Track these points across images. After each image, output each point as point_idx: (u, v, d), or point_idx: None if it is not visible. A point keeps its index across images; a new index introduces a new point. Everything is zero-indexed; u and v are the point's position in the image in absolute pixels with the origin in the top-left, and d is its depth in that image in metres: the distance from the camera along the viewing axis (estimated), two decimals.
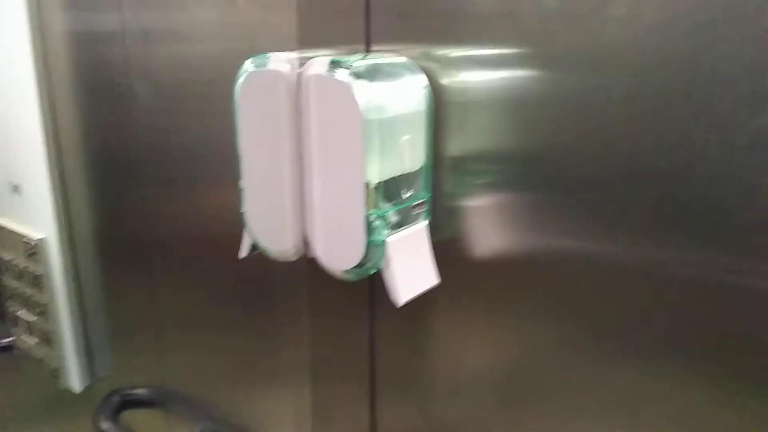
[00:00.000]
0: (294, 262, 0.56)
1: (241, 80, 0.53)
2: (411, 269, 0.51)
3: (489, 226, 0.52)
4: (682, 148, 0.42)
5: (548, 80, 0.47)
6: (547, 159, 0.48)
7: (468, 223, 0.53)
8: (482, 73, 0.50)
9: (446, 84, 0.51)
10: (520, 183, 0.50)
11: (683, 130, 0.42)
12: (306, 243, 0.53)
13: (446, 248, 0.54)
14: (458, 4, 0.49)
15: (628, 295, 0.46)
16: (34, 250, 0.90)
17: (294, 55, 0.52)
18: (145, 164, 0.78)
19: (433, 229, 0.54)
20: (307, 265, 0.60)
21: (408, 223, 0.51)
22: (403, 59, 0.52)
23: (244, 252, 0.58)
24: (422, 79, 0.51)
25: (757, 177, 0.41)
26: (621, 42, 0.43)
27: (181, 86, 0.71)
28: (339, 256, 0.51)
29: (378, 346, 0.61)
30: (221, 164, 0.69)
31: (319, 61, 0.49)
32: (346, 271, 0.51)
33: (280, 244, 0.54)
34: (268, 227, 0.55)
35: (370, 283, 0.59)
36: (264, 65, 0.52)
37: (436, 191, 0.53)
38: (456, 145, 0.52)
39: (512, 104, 0.49)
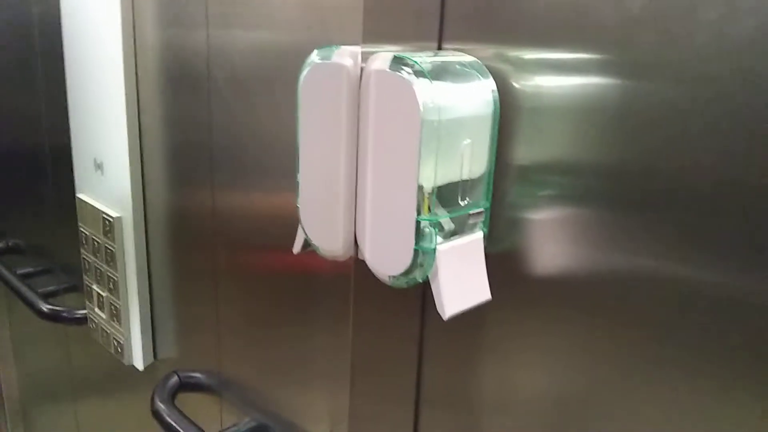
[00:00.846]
0: (345, 263, 0.54)
1: (305, 72, 0.52)
2: (461, 281, 0.48)
3: (551, 242, 0.48)
4: None
5: (628, 88, 0.43)
6: (622, 173, 0.44)
7: (529, 236, 0.50)
8: (557, 78, 0.46)
9: (518, 88, 0.48)
10: (590, 197, 0.46)
11: None
12: (356, 244, 0.51)
13: (503, 262, 0.51)
14: (537, 3, 0.46)
15: (702, 324, 0.42)
16: (110, 227, 0.93)
17: (359, 49, 0.50)
18: (219, 153, 0.78)
19: (491, 241, 0.51)
20: (356, 268, 0.58)
21: (463, 233, 0.49)
22: (472, 59, 0.49)
23: (297, 248, 0.57)
24: (491, 82, 0.48)
25: None
26: (710, 50, 0.39)
27: (255, 75, 0.71)
28: (386, 260, 0.48)
29: (425, 356, 0.58)
30: (290, 158, 0.68)
31: (382, 57, 0.47)
32: (393, 277, 0.49)
33: (331, 243, 0.52)
34: (319, 224, 0.53)
35: (423, 294, 0.56)
36: (329, 57, 0.50)
37: (496, 201, 0.50)
38: (523, 153, 0.49)
39: (587, 113, 0.45)
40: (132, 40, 0.86)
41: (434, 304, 0.48)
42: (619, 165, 0.44)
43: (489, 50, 0.49)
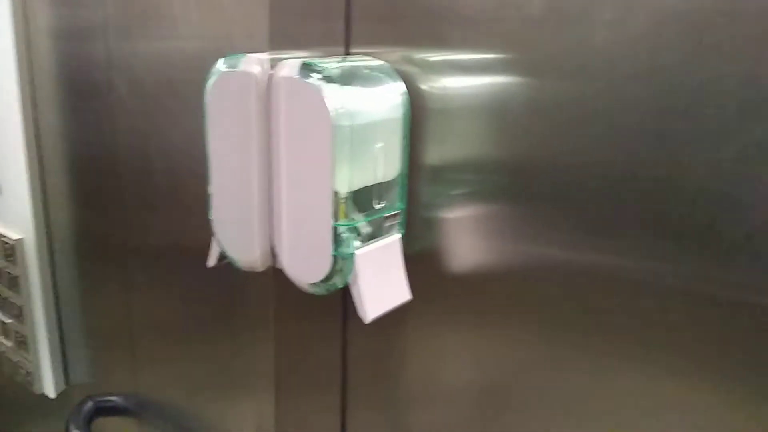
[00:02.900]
0: (264, 275, 0.53)
1: (211, 81, 0.51)
2: (381, 284, 0.48)
3: (466, 239, 0.49)
4: (669, 159, 0.40)
5: (532, 87, 0.44)
6: (530, 169, 0.45)
7: (444, 235, 0.50)
8: (464, 78, 0.47)
9: (426, 89, 0.49)
10: (501, 194, 0.47)
11: (671, 141, 0.40)
12: (273, 254, 0.51)
13: (421, 261, 0.51)
14: (442, 6, 0.47)
15: (609, 308, 0.44)
16: (11, 250, 0.88)
17: (266, 56, 0.49)
18: (125, 166, 0.76)
19: (408, 242, 0.51)
20: (275, 277, 0.57)
21: (380, 236, 0.49)
22: (380, 63, 0.50)
23: (212, 261, 0.56)
24: (400, 85, 0.49)
25: (746, 192, 0.38)
26: (609, 48, 0.41)
27: (160, 85, 0.69)
28: (305, 268, 0.48)
29: (350, 360, 0.58)
30: (199, 168, 0.67)
31: (290, 63, 0.46)
32: (313, 285, 0.48)
33: (247, 254, 0.51)
34: (234, 236, 0.52)
35: (343, 295, 0.56)
36: (235, 66, 0.49)
37: (411, 202, 0.51)
38: (434, 154, 0.50)
39: (494, 112, 0.46)
40: (26, 53, 0.82)
41: (355, 307, 0.48)
42: (526, 161, 0.46)
43: (396, 53, 0.50)
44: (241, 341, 0.68)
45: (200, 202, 0.67)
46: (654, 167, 0.41)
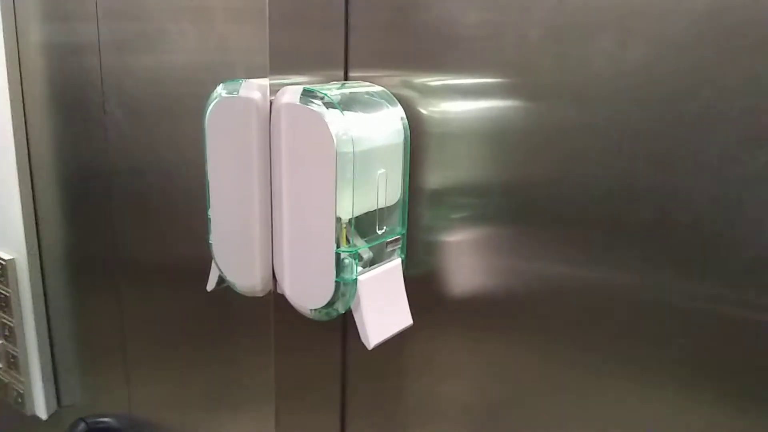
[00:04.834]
0: (264, 300, 0.53)
1: (211, 106, 0.51)
2: (383, 310, 0.48)
3: (466, 261, 0.50)
4: (667, 184, 0.41)
5: (530, 112, 0.45)
6: (528, 192, 0.46)
7: (445, 258, 0.51)
8: (463, 103, 0.48)
9: (426, 114, 0.49)
10: (500, 216, 0.48)
11: (667, 169, 0.40)
12: (274, 279, 0.51)
13: (422, 285, 0.51)
14: (440, 32, 0.47)
15: (612, 328, 0.44)
16: (2, 270, 0.87)
17: (266, 82, 0.49)
18: (118, 185, 0.75)
19: (409, 266, 0.51)
20: (275, 301, 0.57)
21: (382, 261, 0.49)
22: (380, 89, 0.50)
23: (211, 285, 0.55)
24: (400, 110, 0.49)
25: (742, 225, 0.39)
26: (606, 75, 0.41)
27: (155, 104, 0.68)
28: (307, 294, 0.48)
29: (349, 384, 0.58)
30: (194, 188, 0.66)
31: (291, 90, 0.47)
32: (315, 311, 0.48)
33: (247, 279, 0.51)
34: (234, 261, 0.52)
35: (343, 319, 0.56)
36: (235, 91, 0.49)
37: (412, 226, 0.51)
38: (434, 178, 0.50)
39: (493, 136, 0.47)
40: (17, 70, 0.81)
41: (355, 332, 0.48)
42: (525, 184, 0.46)
43: (395, 78, 0.50)
44: (239, 363, 0.67)
45: (196, 223, 0.67)
46: (653, 191, 0.41)
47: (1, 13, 0.79)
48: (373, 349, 0.48)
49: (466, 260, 0.50)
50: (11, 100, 0.82)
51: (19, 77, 0.82)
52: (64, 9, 0.75)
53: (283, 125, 0.47)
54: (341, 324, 0.56)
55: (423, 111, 0.49)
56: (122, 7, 0.68)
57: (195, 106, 0.63)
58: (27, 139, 0.84)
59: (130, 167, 0.73)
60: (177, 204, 0.69)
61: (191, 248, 0.69)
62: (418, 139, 0.50)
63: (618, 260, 0.43)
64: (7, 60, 0.80)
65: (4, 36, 0.80)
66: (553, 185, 0.45)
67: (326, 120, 0.44)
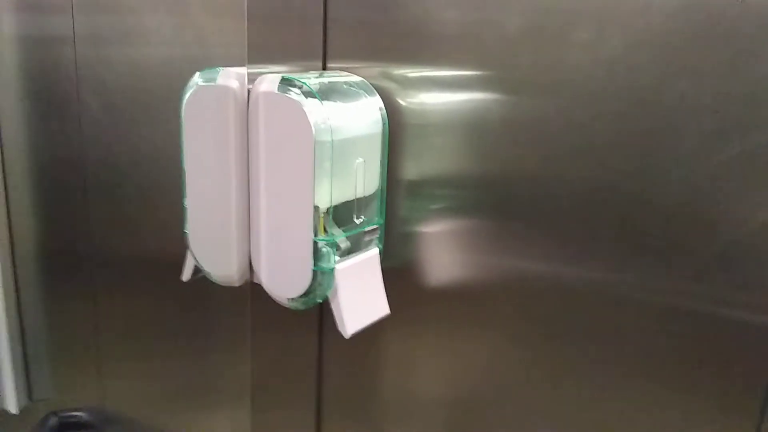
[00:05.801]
0: (240, 290, 0.53)
1: (188, 94, 0.51)
2: (360, 299, 0.48)
3: (444, 253, 0.50)
4: (642, 177, 0.41)
5: (509, 104, 0.45)
6: (506, 184, 0.46)
7: (422, 249, 0.51)
8: (442, 95, 0.48)
9: (404, 105, 0.49)
10: (478, 208, 0.48)
11: (646, 158, 0.41)
12: (251, 268, 0.50)
13: (399, 275, 0.52)
14: (419, 23, 0.47)
15: (586, 322, 0.45)
16: None
17: (244, 71, 0.49)
18: (92, 176, 0.74)
19: (386, 256, 0.51)
20: (252, 290, 0.57)
21: (359, 250, 0.49)
22: (359, 79, 0.50)
23: (186, 275, 0.55)
24: (378, 100, 0.49)
25: (719, 210, 0.39)
26: (583, 68, 0.42)
27: (130, 95, 0.68)
28: (284, 283, 0.48)
29: (326, 373, 0.58)
30: (169, 179, 0.66)
31: (270, 78, 0.46)
32: (292, 300, 0.48)
33: (224, 269, 0.51)
34: (211, 250, 0.52)
35: (319, 309, 0.56)
36: (213, 80, 0.49)
37: (390, 217, 0.51)
38: (413, 169, 0.50)
39: (472, 128, 0.47)
40: None
41: (332, 321, 0.48)
42: (503, 176, 0.46)
43: (374, 68, 0.50)
44: (215, 354, 0.67)
45: (172, 215, 0.66)
46: (629, 183, 0.42)
47: None
48: (349, 339, 0.49)
49: (443, 252, 0.50)
50: None
51: None
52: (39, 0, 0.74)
53: (261, 114, 0.47)
54: (317, 314, 0.56)
55: (401, 102, 0.50)
56: None
57: (171, 97, 0.63)
58: None
59: (105, 159, 0.72)
60: (151, 195, 0.69)
61: (166, 240, 0.69)
62: (397, 129, 0.50)
63: (593, 254, 0.44)
64: None
65: None
66: (531, 179, 0.45)
67: (305, 109, 0.44)
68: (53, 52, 0.74)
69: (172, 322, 0.71)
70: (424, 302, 0.51)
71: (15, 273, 0.87)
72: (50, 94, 0.76)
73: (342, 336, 0.48)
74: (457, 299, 0.50)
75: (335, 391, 0.58)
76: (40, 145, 0.80)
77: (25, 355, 0.90)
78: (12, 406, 0.90)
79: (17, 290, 0.87)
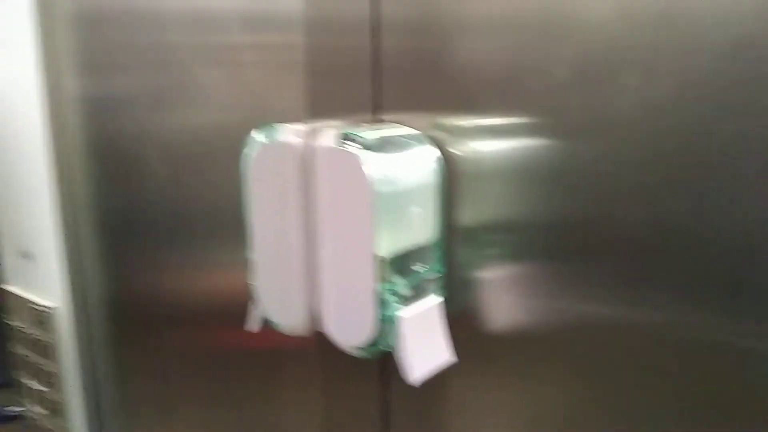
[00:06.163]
0: (306, 340, 0.54)
1: (249, 151, 0.53)
2: (425, 346, 0.49)
3: (505, 299, 0.50)
4: (698, 218, 0.41)
5: (561, 149, 0.46)
6: (562, 228, 0.47)
7: (484, 295, 0.51)
8: (493, 142, 0.49)
9: (457, 154, 0.51)
10: (535, 253, 0.48)
11: (700, 200, 0.41)
12: (316, 318, 0.52)
13: (462, 322, 0.52)
14: (468, 73, 0.49)
15: (653, 365, 0.44)
16: (44, 318, 0.89)
17: (302, 127, 0.51)
18: (158, 233, 0.77)
19: (448, 303, 0.52)
20: (318, 341, 0.58)
21: (421, 298, 0.50)
22: (412, 131, 0.51)
23: (254, 326, 0.57)
24: (432, 150, 0.50)
25: None
26: (633, 111, 0.42)
27: (192, 153, 0.71)
28: (349, 331, 0.49)
29: (392, 421, 0.58)
30: (233, 234, 0.68)
31: (328, 133, 0.48)
32: (357, 348, 0.49)
33: (290, 319, 0.53)
34: (277, 301, 0.53)
35: (383, 364, 0.57)
36: (273, 136, 0.51)
37: (449, 263, 0.52)
38: (469, 216, 0.51)
39: (524, 174, 0.48)
40: (56, 122, 0.84)
41: (395, 369, 0.49)
42: (558, 220, 0.47)
43: (425, 119, 0.52)
44: (281, 408, 0.68)
45: (236, 266, 0.68)
46: (685, 223, 0.42)
47: (40, 68, 0.83)
48: (415, 388, 0.49)
49: (504, 297, 0.50)
50: (49, 151, 0.84)
51: (58, 128, 0.85)
52: (99, 62, 0.78)
53: (320, 167, 0.48)
54: (382, 364, 0.57)
55: (454, 151, 0.51)
56: (157, 59, 0.71)
57: (229, 151, 0.65)
58: (66, 188, 0.86)
59: (169, 213, 0.75)
60: (215, 249, 0.71)
61: (231, 293, 0.70)
62: (452, 178, 0.51)
63: (655, 298, 0.44)
64: (44, 112, 0.83)
65: (42, 89, 0.83)
66: (585, 222, 0.45)
67: (362, 161, 0.46)
68: (114, 112, 0.78)
69: (239, 376, 0.72)
70: (488, 347, 0.52)
71: (87, 326, 0.90)
72: (112, 151, 0.80)
73: (408, 385, 0.48)
74: (522, 344, 0.50)
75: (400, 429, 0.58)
76: (104, 201, 0.83)
77: (97, 408, 0.92)
78: None
79: (90, 343, 0.90)
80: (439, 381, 0.54)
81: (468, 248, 0.51)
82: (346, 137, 0.47)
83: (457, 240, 0.52)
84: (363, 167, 0.46)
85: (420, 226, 0.49)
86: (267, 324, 0.56)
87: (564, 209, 0.46)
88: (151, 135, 0.75)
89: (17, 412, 1.03)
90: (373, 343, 0.48)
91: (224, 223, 0.69)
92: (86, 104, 0.82)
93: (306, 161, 0.50)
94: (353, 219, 0.47)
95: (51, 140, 0.85)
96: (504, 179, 0.49)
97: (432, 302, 0.50)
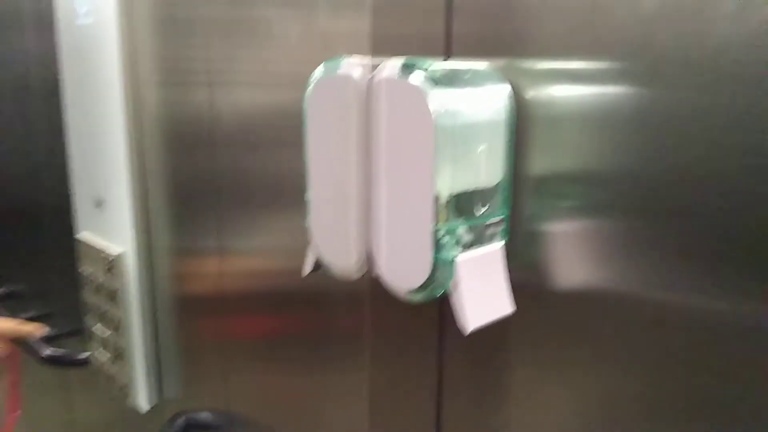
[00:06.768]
0: (359, 285, 0.52)
1: (311, 86, 0.51)
2: (482, 294, 0.46)
3: (573, 254, 0.46)
4: None
5: (645, 95, 0.42)
6: (643, 182, 0.42)
7: (550, 249, 0.48)
8: (571, 86, 0.45)
9: (531, 97, 0.47)
10: (612, 208, 0.44)
11: None
12: (370, 260, 0.49)
13: (525, 275, 0.49)
14: (546, 12, 0.45)
15: (731, 328, 0.40)
16: (112, 264, 0.90)
17: (366, 60, 0.48)
18: (223, 192, 0.77)
19: (511, 254, 0.49)
20: (371, 287, 0.56)
21: (482, 243, 0.47)
22: (484, 66, 0.48)
23: (307, 269, 0.55)
24: (504, 87, 0.47)
25: None
26: (729, 45, 0.38)
27: (262, 117, 0.69)
28: (403, 274, 0.46)
29: (446, 373, 0.55)
30: (294, 196, 0.66)
31: (391, 64, 0.46)
32: (411, 292, 0.46)
33: (343, 260, 0.50)
34: (331, 241, 0.51)
35: (440, 308, 0.54)
36: (335, 70, 0.49)
37: (515, 212, 0.49)
38: (540, 163, 0.47)
39: (605, 120, 0.44)
40: (133, 78, 0.85)
41: (453, 319, 0.46)
42: (638, 174, 0.43)
43: (499, 61, 0.48)
44: (333, 360, 0.66)
45: (297, 221, 0.66)
46: None
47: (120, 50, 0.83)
48: (471, 339, 0.46)
49: (572, 253, 0.47)
50: (125, 107, 0.85)
51: (134, 89, 0.86)
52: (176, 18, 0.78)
53: (382, 100, 0.46)
54: (438, 312, 0.54)
55: (529, 94, 0.47)
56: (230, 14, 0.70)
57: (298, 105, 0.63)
58: (140, 142, 0.87)
59: (237, 170, 0.74)
60: (276, 210, 0.70)
61: (287, 250, 0.69)
62: (524, 121, 0.47)
63: (747, 273, 0.39)
64: (122, 74, 0.84)
65: (121, 71, 0.84)
66: (671, 175, 0.41)
67: (425, 93, 0.43)
68: (187, 70, 0.77)
69: (293, 328, 0.71)
70: (551, 305, 0.48)
71: (151, 274, 0.91)
72: (186, 129, 0.80)
73: (463, 335, 0.45)
74: (588, 304, 0.46)
75: (456, 389, 0.55)
76: (175, 154, 0.83)
77: (157, 354, 0.93)
78: (143, 404, 0.94)
79: (153, 291, 0.91)
80: (495, 334, 0.50)
81: (537, 197, 0.48)
82: (410, 68, 0.45)
83: (526, 188, 0.48)
84: (426, 100, 0.43)
85: (486, 167, 0.46)
86: (320, 268, 0.54)
87: (647, 162, 0.42)
88: (223, 96, 0.74)
89: (85, 357, 1.06)
90: (427, 288, 0.45)
91: (289, 186, 0.67)
92: (161, 62, 0.82)
93: (367, 94, 0.47)
94: (414, 155, 0.44)
95: (127, 94, 0.85)
96: (581, 126, 0.45)
97: (493, 249, 0.47)
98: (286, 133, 0.65)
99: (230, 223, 0.77)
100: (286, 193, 0.67)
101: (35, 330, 0.96)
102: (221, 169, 0.76)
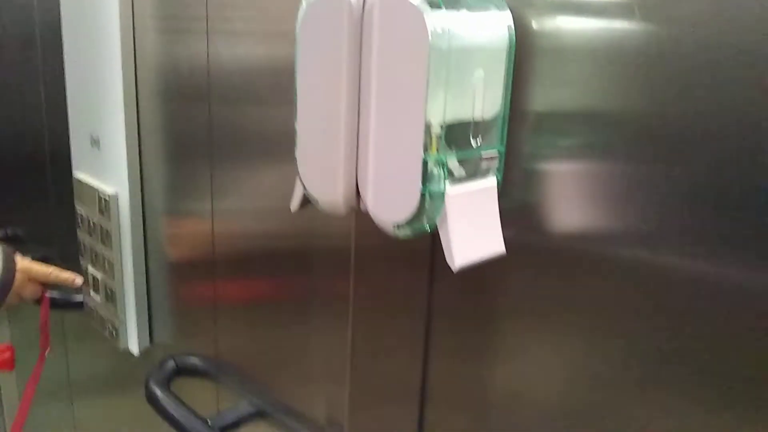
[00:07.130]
0: (346, 230, 0.50)
1: (302, 10, 0.48)
2: (473, 230, 0.44)
3: (571, 197, 0.44)
4: None
5: (654, 30, 0.39)
6: (646, 123, 0.40)
7: (547, 189, 0.45)
8: (577, 18, 0.42)
9: (535, 27, 0.44)
10: (613, 149, 0.42)
11: None
12: (358, 194, 0.47)
13: (519, 215, 0.46)
14: None
15: (726, 273, 0.37)
16: (105, 205, 0.89)
17: None
18: (217, 140, 0.74)
19: (505, 192, 0.46)
20: (357, 225, 0.53)
21: (474, 177, 0.44)
22: None
23: (295, 204, 0.53)
24: (507, 15, 0.44)
25: None
26: None
27: (257, 72, 0.67)
28: (391, 206, 0.44)
29: (434, 314, 0.53)
30: (286, 144, 0.64)
31: None
32: (399, 226, 0.44)
33: (331, 193, 0.48)
34: (318, 174, 0.49)
35: (431, 247, 0.51)
36: None
37: (511, 148, 0.46)
38: (540, 98, 0.45)
39: (611, 56, 0.41)
40: (130, 19, 0.82)
41: (443, 264, 0.43)
42: (641, 114, 0.40)
43: None
44: (319, 309, 0.65)
45: (286, 173, 0.64)
46: None
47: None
48: (461, 278, 0.44)
49: (569, 195, 0.44)
50: (122, 45, 0.83)
51: (131, 27, 0.83)
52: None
53: (375, 20, 0.43)
54: (429, 251, 0.52)
55: (532, 24, 0.44)
56: None
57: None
58: (136, 86, 0.85)
59: (230, 120, 0.72)
60: (272, 150, 0.67)
61: (277, 196, 0.67)
62: (526, 54, 0.45)
63: (749, 225, 0.36)
64: (121, 15, 0.82)
65: (120, 20, 0.81)
66: (675, 116, 0.38)
67: (420, 11, 0.40)
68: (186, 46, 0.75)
69: (283, 276, 0.69)
70: (543, 247, 0.46)
71: (144, 217, 0.89)
72: (183, 85, 0.78)
73: (453, 279, 0.43)
74: (583, 249, 0.44)
75: (444, 332, 0.53)
76: (171, 98, 0.81)
77: (149, 298, 0.92)
78: (134, 347, 0.93)
79: (145, 234, 0.90)
80: (486, 275, 0.48)
81: (536, 134, 0.45)
82: None
83: (524, 123, 0.45)
84: (422, 18, 0.40)
85: (482, 97, 0.43)
86: (308, 203, 0.52)
87: (651, 101, 0.39)
88: (221, 48, 0.71)
89: (79, 300, 1.05)
90: (415, 222, 0.43)
91: (281, 137, 0.65)
92: (160, 41, 0.80)
93: (359, 15, 0.44)
94: (406, 79, 0.42)
95: (124, 33, 0.83)
96: (585, 62, 0.42)
97: (486, 185, 0.44)
98: (279, 92, 0.63)
99: (223, 165, 0.75)
100: (279, 142, 0.65)
101: (73, 278, 0.97)
102: (216, 118, 0.74)
